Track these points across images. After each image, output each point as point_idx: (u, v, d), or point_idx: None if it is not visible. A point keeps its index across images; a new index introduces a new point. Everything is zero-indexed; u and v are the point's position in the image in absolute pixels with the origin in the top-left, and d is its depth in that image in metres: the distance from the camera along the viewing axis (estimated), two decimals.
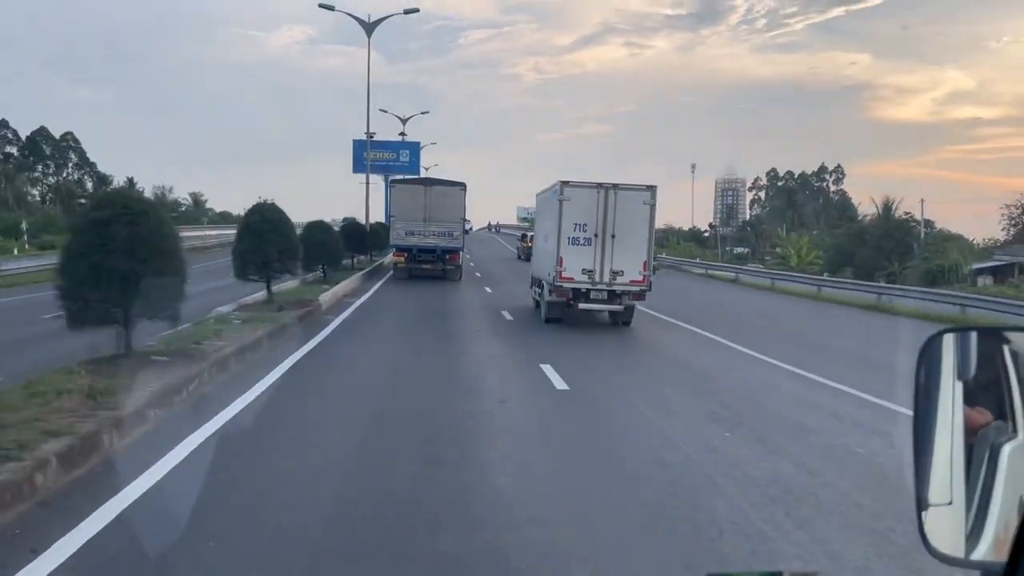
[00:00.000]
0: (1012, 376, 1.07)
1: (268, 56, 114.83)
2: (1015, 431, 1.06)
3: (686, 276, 31.96)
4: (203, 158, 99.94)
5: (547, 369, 8.68)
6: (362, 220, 32.74)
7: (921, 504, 1.06)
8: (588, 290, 13.21)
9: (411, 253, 23.34)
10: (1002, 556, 0.98)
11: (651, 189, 13.36)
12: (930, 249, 33.26)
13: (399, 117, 47.47)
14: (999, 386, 1.08)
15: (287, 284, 16.09)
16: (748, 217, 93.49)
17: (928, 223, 42.10)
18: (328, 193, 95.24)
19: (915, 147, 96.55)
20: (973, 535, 1.03)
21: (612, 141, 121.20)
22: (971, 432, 1.06)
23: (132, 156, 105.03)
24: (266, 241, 12.64)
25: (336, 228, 28.67)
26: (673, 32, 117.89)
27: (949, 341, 1.10)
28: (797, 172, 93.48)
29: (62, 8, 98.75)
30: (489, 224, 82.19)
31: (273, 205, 13.55)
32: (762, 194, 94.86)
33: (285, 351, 9.18)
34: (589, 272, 13.15)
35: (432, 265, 23.33)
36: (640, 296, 13.40)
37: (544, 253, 14.78)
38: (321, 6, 28.44)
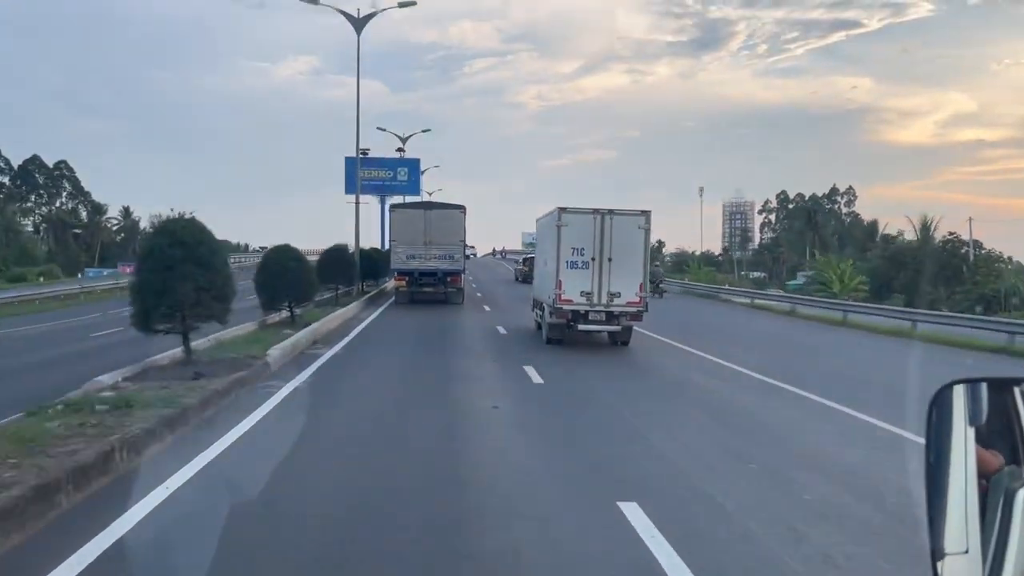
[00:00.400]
0: (1023, 421, 1.09)
1: (274, 86, 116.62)
2: None
3: (728, 307, 26.80)
4: (210, 188, 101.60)
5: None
6: (363, 246, 29.72)
7: (936, 554, 1.07)
8: (587, 311, 13.80)
9: (412, 277, 23.52)
10: None
11: (645, 214, 14.05)
12: (981, 272, 31.47)
13: (398, 135, 44.90)
14: (1011, 432, 1.10)
15: (233, 331, 12.08)
16: (759, 240, 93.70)
17: (977, 244, 39.77)
18: (330, 223, 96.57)
19: (919, 170, 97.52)
20: None
21: (615, 166, 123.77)
22: (984, 476, 1.08)
23: (139, 186, 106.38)
24: (178, 274, 8.82)
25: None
26: (675, 58, 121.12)
27: (959, 391, 1.12)
28: (808, 194, 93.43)
29: (68, 40, 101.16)
30: (494, 250, 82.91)
31: (192, 221, 9.69)
32: (772, 216, 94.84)
33: (150, 477, 4.69)
34: (587, 294, 13.75)
35: (434, 288, 23.51)
36: (637, 317, 13.85)
37: (544, 276, 15.47)
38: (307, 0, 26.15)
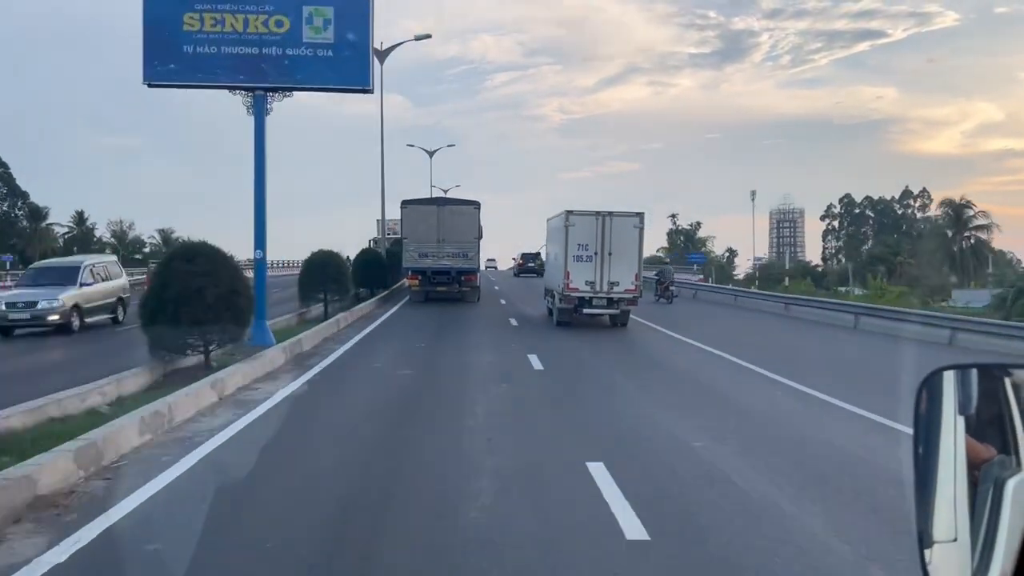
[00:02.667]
0: (1015, 410, 1.14)
1: (292, 101, 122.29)
2: (1019, 465, 1.13)
3: (796, 323, 21.52)
4: (227, 204, 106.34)
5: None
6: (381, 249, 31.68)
7: (924, 541, 1.14)
8: (591, 298, 17.32)
9: (425, 275, 23.89)
10: None
11: (639, 215, 17.59)
12: None
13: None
14: (1002, 420, 1.15)
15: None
16: (822, 249, 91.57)
17: None
18: (346, 237, 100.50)
19: (945, 180, 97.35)
20: (979, 573, 1.10)
21: (639, 178, 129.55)
22: (975, 467, 1.14)
23: (157, 200, 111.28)
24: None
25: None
26: (697, 70, 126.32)
27: (950, 378, 1.18)
28: (875, 197, 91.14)
29: (84, 56, 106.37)
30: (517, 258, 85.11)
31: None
32: (835, 223, 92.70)
33: None
34: (591, 283, 17.25)
35: (447, 287, 23.94)
36: (633, 302, 17.75)
37: (555, 269, 19.06)
38: None
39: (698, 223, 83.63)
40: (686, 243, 79.18)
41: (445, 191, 52.17)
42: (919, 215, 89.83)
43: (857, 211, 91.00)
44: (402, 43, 32.70)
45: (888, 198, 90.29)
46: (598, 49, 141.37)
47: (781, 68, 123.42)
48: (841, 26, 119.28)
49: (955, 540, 1.12)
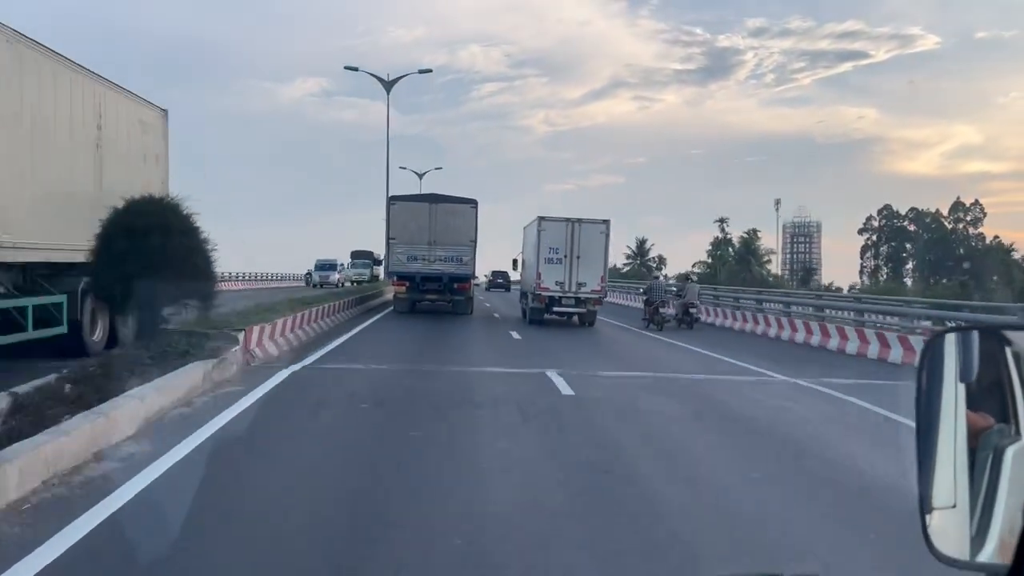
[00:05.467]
0: (1015, 378, 1.25)
1: (282, 108, 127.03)
2: (1018, 433, 1.23)
3: None
4: (214, 210, 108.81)
5: None
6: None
7: (925, 507, 1.24)
8: (560, 297, 20.35)
9: (413, 282, 22.94)
10: (1007, 559, 1.16)
11: (606, 222, 20.56)
12: None
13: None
14: (1002, 388, 1.25)
15: None
16: (860, 268, 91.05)
17: None
18: (336, 244, 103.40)
19: (923, 200, 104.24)
20: (978, 538, 1.20)
21: (622, 192, 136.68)
22: (974, 435, 1.24)
23: None
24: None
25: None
26: (682, 86, 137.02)
27: (951, 342, 1.29)
28: (917, 210, 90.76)
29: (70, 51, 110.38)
30: (515, 262, 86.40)
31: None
32: (874, 237, 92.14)
33: None
34: (560, 284, 20.26)
35: (438, 296, 23.09)
36: (599, 302, 20.87)
37: (528, 271, 22.18)
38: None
39: (754, 231, 74.42)
40: (740, 258, 70.66)
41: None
42: (971, 231, 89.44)
43: (897, 223, 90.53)
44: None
45: (933, 210, 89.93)
46: (584, 63, 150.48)
47: (765, 86, 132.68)
48: (824, 46, 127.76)
49: (954, 506, 1.22)
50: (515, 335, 17.58)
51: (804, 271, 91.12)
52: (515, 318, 23.59)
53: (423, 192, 39.12)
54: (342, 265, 54.42)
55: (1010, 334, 1.27)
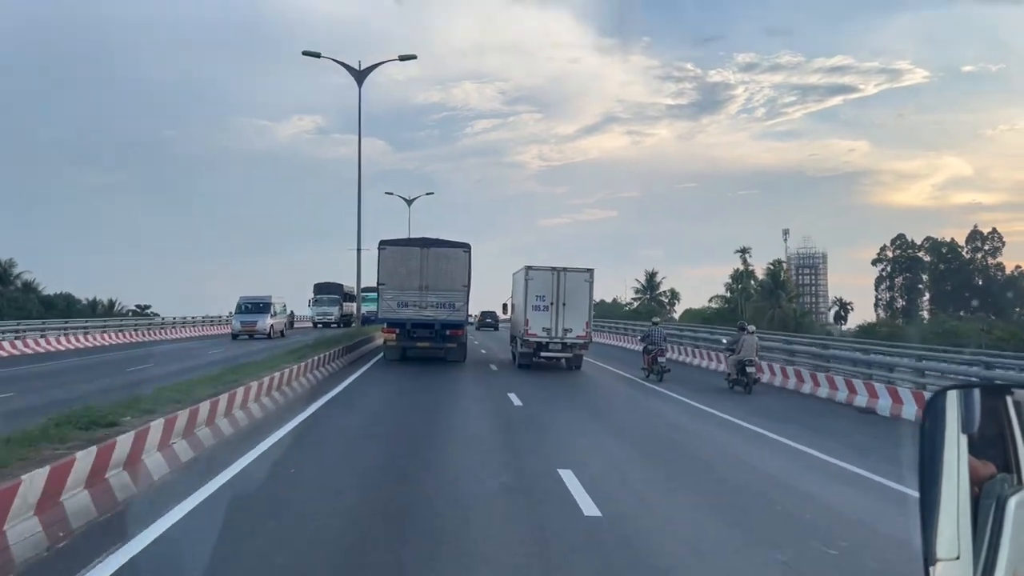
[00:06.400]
0: (1016, 429, 1.31)
1: (277, 146, 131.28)
2: (1020, 482, 1.29)
3: None
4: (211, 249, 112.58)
5: None
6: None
7: (929, 559, 1.29)
8: (548, 343, 21.39)
9: (404, 328, 22.59)
10: None
11: (590, 271, 21.95)
12: None
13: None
14: (1003, 439, 1.32)
15: None
16: (875, 300, 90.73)
17: None
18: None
19: (916, 232, 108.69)
20: None
21: (616, 226, 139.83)
22: (977, 483, 1.30)
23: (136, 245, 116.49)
24: None
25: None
26: (674, 121, 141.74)
27: (953, 398, 1.35)
28: (933, 239, 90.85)
29: (67, 95, 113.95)
30: (504, 306, 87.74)
31: None
32: (887, 268, 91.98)
33: None
34: (547, 329, 21.40)
35: (430, 343, 22.70)
36: (584, 347, 21.87)
37: (517, 317, 23.19)
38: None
39: (779, 261, 66.68)
40: (768, 292, 63.64)
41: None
42: (990, 260, 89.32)
43: (911, 252, 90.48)
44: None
45: (948, 239, 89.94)
46: (577, 99, 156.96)
47: (756, 120, 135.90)
48: (815, 80, 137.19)
49: (958, 558, 1.27)
50: (515, 399, 15.12)
51: (840, 307, 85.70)
52: (507, 362, 24.71)
53: (413, 236, 37.40)
54: (281, 306, 40.76)
55: (1013, 389, 1.34)
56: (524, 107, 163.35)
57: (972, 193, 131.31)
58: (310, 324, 51.48)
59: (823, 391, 17.44)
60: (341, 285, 52.86)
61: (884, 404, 15.07)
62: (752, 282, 67.67)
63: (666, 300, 76.76)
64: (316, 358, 18.33)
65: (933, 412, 1.36)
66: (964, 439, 1.32)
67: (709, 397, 16.76)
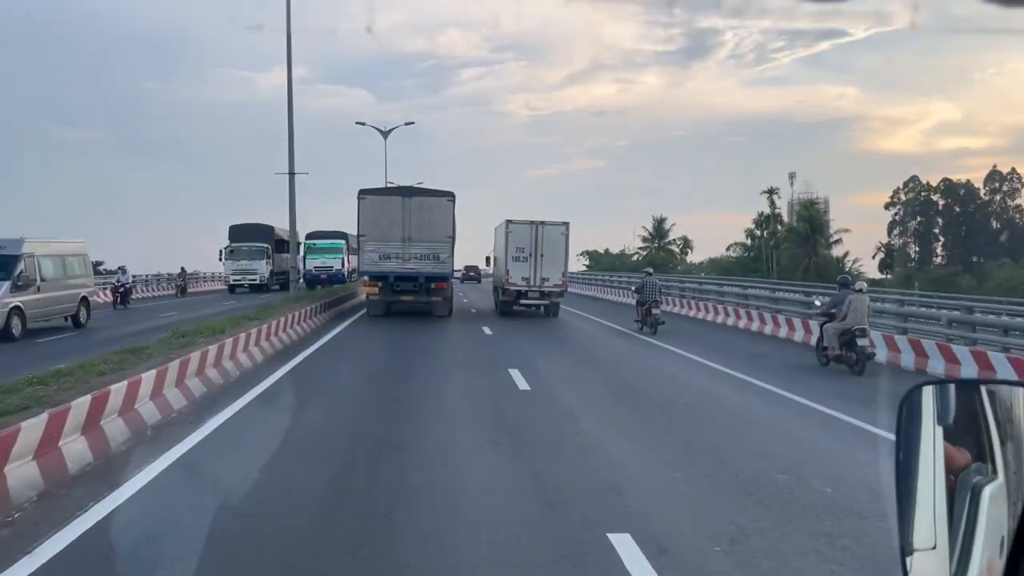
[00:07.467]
0: (990, 418, 1.36)
1: (260, 97, 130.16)
2: (995, 472, 1.35)
3: None
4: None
5: None
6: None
7: (906, 549, 1.35)
8: (527, 291, 24.21)
9: (387, 282, 22.72)
10: None
11: (566, 224, 24.37)
12: None
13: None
14: (977, 428, 1.37)
15: None
16: (886, 243, 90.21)
17: None
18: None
19: (904, 177, 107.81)
20: None
21: (604, 175, 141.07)
22: (952, 474, 1.36)
23: (121, 196, 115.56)
24: None
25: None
26: (663, 68, 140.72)
27: (928, 393, 1.41)
28: (949, 180, 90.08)
29: (49, 49, 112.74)
30: (487, 259, 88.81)
31: None
32: (899, 211, 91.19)
33: None
34: (526, 279, 24.07)
35: (413, 296, 22.91)
36: (561, 295, 24.71)
37: (499, 268, 26.23)
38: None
39: (811, 201, 62.09)
40: (802, 238, 57.41)
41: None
42: (1009, 202, 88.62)
43: (925, 196, 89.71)
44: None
45: (964, 180, 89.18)
46: (564, 46, 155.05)
47: (745, 66, 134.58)
48: (803, 24, 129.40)
49: (934, 547, 1.34)
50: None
51: (887, 254, 77.29)
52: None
53: (394, 184, 36.15)
54: (53, 263, 20.24)
55: (985, 385, 1.39)
56: (510, 54, 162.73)
57: (960, 138, 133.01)
58: (224, 286, 39.50)
59: (967, 371, 12.89)
60: (272, 228, 40.25)
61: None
62: (779, 226, 62.61)
63: (677, 249, 73.89)
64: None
65: (909, 406, 1.41)
66: (939, 431, 1.38)
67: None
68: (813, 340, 16.60)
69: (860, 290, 14.69)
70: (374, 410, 10.53)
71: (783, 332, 20.71)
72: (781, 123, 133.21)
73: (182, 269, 39.38)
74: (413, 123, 67.21)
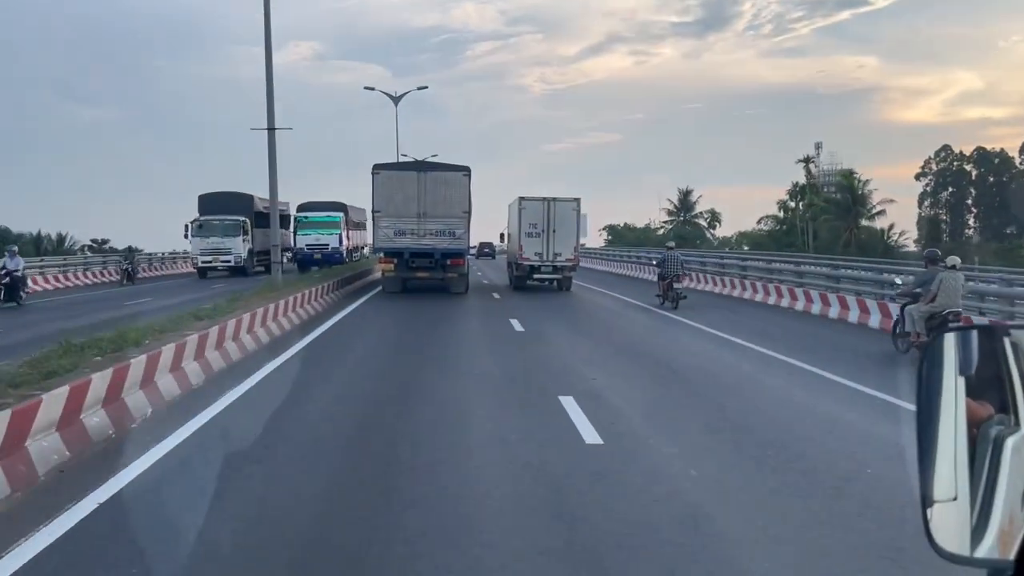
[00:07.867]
0: (1013, 369, 1.34)
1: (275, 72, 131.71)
2: (1017, 423, 1.33)
3: None
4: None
5: None
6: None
7: (926, 501, 1.34)
8: (539, 266, 25.20)
9: (402, 258, 22.62)
10: (1007, 552, 1.27)
11: (577, 200, 25.17)
12: None
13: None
14: (1000, 380, 1.35)
15: None
16: (918, 217, 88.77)
17: None
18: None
19: (923, 149, 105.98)
20: (978, 531, 1.30)
21: (620, 149, 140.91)
22: (974, 426, 1.34)
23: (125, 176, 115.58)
24: None
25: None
26: (679, 40, 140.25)
27: (951, 340, 1.39)
28: (983, 149, 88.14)
29: (60, 24, 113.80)
30: (501, 235, 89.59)
31: None
32: (930, 182, 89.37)
33: None
34: (539, 254, 24.97)
35: (429, 273, 22.74)
36: (573, 269, 25.72)
37: (512, 243, 27.37)
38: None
39: (850, 172, 58.09)
40: (843, 210, 54.08)
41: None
42: None
43: (958, 165, 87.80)
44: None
45: (996, 149, 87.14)
46: (580, 18, 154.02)
47: (763, 37, 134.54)
48: None
49: (955, 499, 1.33)
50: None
51: (930, 225, 73.85)
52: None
53: (409, 159, 35.27)
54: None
55: (1011, 330, 1.37)
56: (526, 27, 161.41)
57: (982, 108, 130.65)
58: (194, 270, 33.44)
59: None
60: (251, 197, 33.47)
61: None
62: (816, 198, 58.90)
63: (705, 222, 72.08)
64: None
65: (931, 356, 1.39)
66: (961, 381, 1.36)
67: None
68: (872, 321, 16.65)
69: (953, 267, 12.92)
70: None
71: (833, 311, 18.89)
72: (801, 94, 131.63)
73: (129, 249, 32.95)
74: (426, 87, 68.47)
